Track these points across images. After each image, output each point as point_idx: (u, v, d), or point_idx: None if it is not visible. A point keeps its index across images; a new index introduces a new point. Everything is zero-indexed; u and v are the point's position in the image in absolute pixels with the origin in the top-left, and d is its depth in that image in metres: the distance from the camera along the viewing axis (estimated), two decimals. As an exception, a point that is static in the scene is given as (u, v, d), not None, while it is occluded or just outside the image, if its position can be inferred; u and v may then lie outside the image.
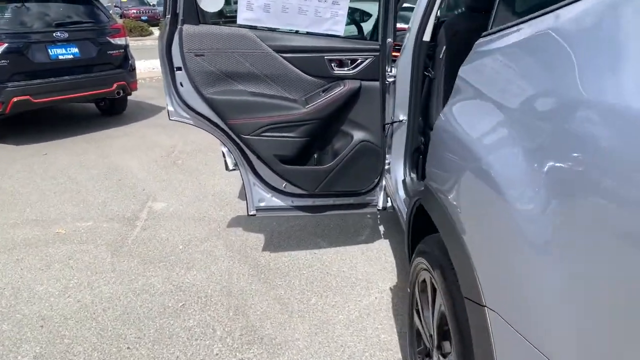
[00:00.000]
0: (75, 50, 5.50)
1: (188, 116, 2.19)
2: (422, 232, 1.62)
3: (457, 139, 1.28)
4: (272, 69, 2.11)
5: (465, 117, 1.30)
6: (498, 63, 1.22)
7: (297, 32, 2.17)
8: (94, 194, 3.89)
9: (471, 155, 1.15)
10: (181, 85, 2.12)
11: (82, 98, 5.72)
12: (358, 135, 2.27)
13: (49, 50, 5.25)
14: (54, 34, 5.25)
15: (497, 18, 1.36)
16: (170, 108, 2.18)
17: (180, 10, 2.01)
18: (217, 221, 3.35)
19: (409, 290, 1.74)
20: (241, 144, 2.24)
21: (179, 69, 2.09)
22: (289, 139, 2.17)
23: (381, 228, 3.17)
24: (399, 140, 2.42)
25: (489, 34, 1.36)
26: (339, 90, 2.15)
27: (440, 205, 1.31)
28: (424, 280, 1.57)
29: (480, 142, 1.13)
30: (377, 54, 2.14)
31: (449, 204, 1.26)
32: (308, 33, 2.13)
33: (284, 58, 2.11)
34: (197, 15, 2.05)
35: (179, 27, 2.03)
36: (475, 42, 1.41)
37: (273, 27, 2.08)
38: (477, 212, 1.09)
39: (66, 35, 5.36)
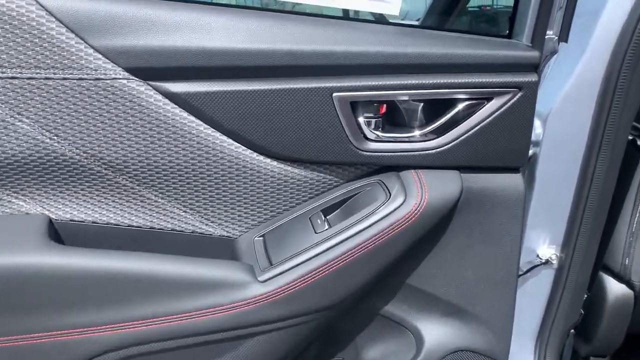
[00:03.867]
0: None
1: None
2: None
3: None
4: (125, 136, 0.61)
5: None
6: None
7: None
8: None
9: None
10: None
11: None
12: (435, 335, 0.74)
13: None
14: None
15: None
16: None
17: None
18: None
19: None
20: None
21: None
22: None
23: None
24: (526, 307, 0.93)
25: None
26: (389, 209, 0.63)
27: None
28: None
29: None
30: (531, 80, 0.64)
31: None
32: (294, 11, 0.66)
33: (176, 102, 0.61)
34: None
35: None
36: None
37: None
38: None
39: None
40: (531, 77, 0.65)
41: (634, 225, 0.94)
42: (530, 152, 0.82)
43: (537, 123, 0.81)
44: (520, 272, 0.90)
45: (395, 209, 0.62)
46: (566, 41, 0.70)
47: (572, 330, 1.03)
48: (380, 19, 0.92)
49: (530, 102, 0.65)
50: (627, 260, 0.98)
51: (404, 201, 0.63)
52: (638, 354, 1.22)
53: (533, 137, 0.81)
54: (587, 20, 0.74)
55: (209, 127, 0.62)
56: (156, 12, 0.59)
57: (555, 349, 0.98)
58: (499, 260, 0.72)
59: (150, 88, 0.60)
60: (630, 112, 0.76)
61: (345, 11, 1.35)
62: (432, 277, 0.72)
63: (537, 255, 0.89)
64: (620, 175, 0.91)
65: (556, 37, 0.70)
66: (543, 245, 0.89)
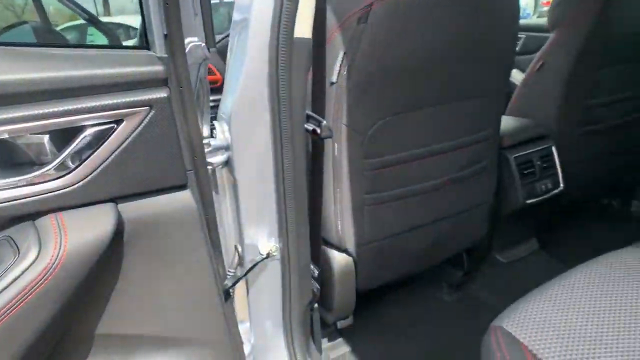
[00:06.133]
0: None
1: None
2: None
3: None
4: None
5: None
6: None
7: None
8: None
9: None
10: None
11: None
12: None
13: None
14: None
15: None
16: None
17: None
18: None
19: None
20: None
21: None
22: None
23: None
24: (265, 300, 0.96)
25: None
26: (18, 270, 0.52)
27: None
28: None
29: None
30: (160, 96, 0.60)
31: None
32: None
33: None
34: None
35: None
36: None
37: None
38: None
39: None
40: (160, 93, 0.61)
41: (338, 202, 1.05)
42: (226, 155, 0.81)
43: (225, 127, 0.80)
44: (247, 270, 0.89)
45: (27, 268, 0.52)
46: (214, 47, 0.69)
47: (316, 305, 1.10)
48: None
49: (166, 119, 0.62)
50: (339, 232, 1.09)
51: (37, 255, 0.53)
52: (367, 306, 1.41)
53: (224, 142, 0.79)
54: (245, 17, 0.72)
55: None
56: None
57: (301, 328, 1.02)
58: (194, 279, 0.69)
59: None
60: (302, 108, 0.81)
61: None
62: (127, 317, 0.65)
63: (259, 252, 0.90)
64: (314, 162, 0.98)
65: (203, 44, 0.68)
66: (262, 240, 0.90)
